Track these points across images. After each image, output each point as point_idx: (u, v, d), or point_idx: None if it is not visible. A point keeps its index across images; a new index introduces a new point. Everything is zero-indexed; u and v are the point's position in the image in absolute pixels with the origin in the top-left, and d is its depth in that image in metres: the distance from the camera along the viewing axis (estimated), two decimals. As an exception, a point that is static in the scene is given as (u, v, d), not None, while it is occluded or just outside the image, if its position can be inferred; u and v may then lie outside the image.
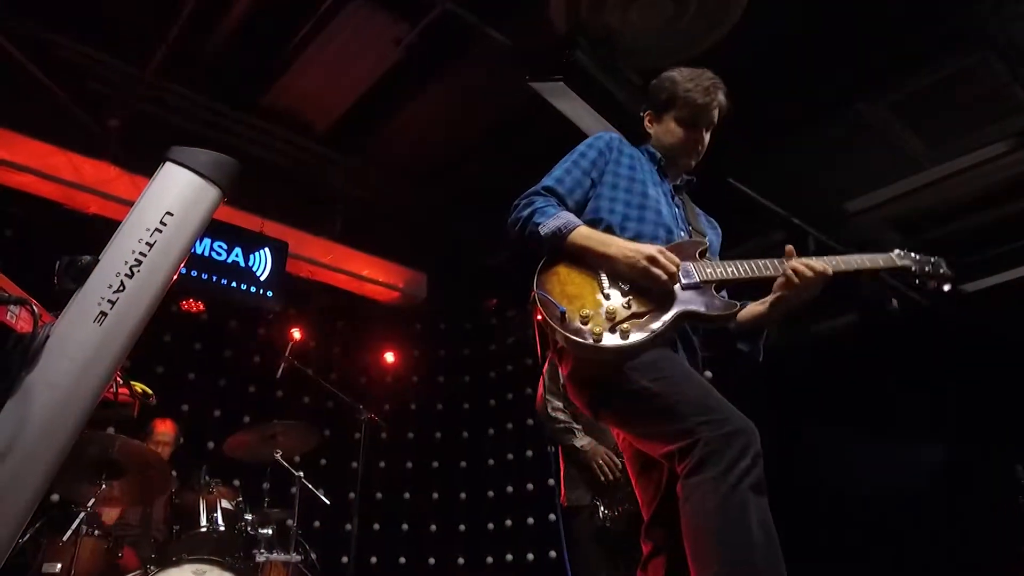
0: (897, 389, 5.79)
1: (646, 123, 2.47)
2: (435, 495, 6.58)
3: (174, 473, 4.34)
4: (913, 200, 5.70)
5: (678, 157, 2.40)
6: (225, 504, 4.07)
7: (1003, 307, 5.67)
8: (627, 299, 2.03)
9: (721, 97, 2.33)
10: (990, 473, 5.17)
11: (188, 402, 5.52)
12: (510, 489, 6.28)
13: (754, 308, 2.23)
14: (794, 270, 2.09)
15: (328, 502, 4.41)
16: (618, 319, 1.98)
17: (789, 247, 2.14)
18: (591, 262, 2.11)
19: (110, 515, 4.26)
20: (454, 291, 6.88)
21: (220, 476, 4.29)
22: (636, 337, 1.95)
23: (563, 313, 1.98)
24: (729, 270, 2.14)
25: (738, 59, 4.71)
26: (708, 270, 2.12)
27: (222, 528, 3.96)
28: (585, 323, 1.97)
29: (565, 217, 2.14)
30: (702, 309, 2.06)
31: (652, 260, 2.01)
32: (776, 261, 2.15)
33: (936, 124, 5.05)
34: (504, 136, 5.71)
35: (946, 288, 2.28)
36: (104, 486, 3.79)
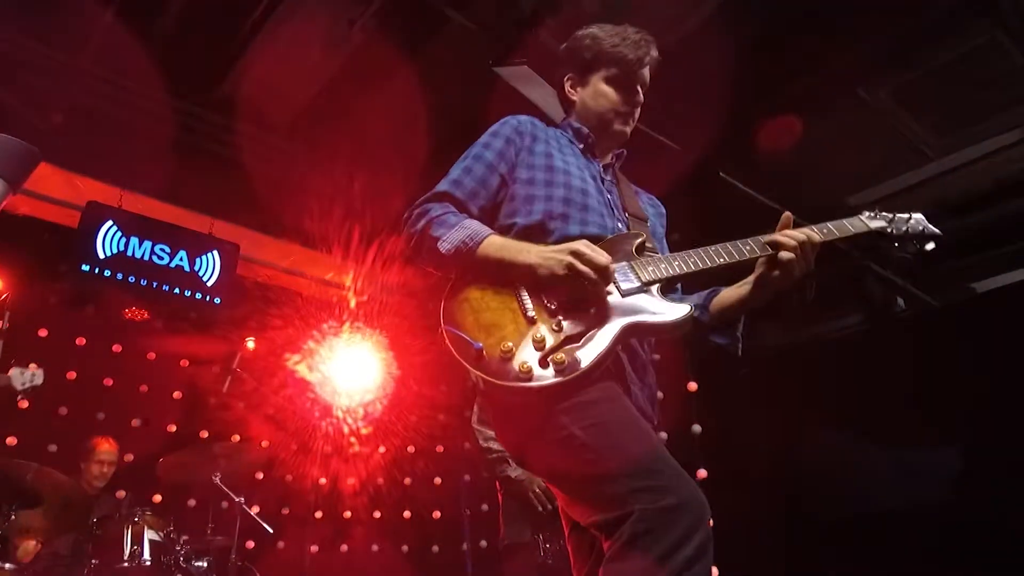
0: (905, 393, 5.46)
1: (567, 89, 2.11)
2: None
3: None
4: (919, 193, 5.41)
5: (611, 124, 2.03)
6: (152, 535, 3.69)
7: (1016, 306, 5.37)
8: (556, 319, 1.63)
9: (654, 51, 2.01)
10: (1005, 480, 4.82)
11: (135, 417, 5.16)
12: (485, 507, 5.87)
13: (731, 293, 1.87)
14: (779, 243, 1.73)
15: (271, 530, 4.03)
16: (549, 347, 1.58)
17: (787, 214, 1.79)
18: (508, 278, 1.70)
19: (27, 549, 3.88)
20: (429, 294, 6.45)
21: (151, 501, 3.97)
22: (576, 368, 1.55)
23: (479, 350, 1.58)
24: (677, 265, 1.76)
25: (725, 42, 4.40)
26: (651, 268, 1.74)
27: (147, 562, 3.58)
28: (508, 359, 1.56)
29: (470, 227, 1.74)
30: (649, 318, 1.66)
31: (576, 255, 1.62)
32: (745, 242, 1.78)
33: (942, 111, 4.76)
34: (480, 126, 5.32)
35: (929, 247, 1.98)
36: (14, 517, 3.43)
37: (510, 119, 2.02)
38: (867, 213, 1.97)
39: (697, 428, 4.83)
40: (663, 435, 5.29)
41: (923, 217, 2.00)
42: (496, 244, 1.73)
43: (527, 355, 1.58)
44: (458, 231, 1.74)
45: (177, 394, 5.35)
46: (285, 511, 5.68)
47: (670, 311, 1.69)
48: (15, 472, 3.46)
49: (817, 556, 5.11)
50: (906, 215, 1.99)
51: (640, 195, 2.16)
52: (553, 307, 1.66)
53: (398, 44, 4.67)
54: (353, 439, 5.72)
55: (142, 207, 4.82)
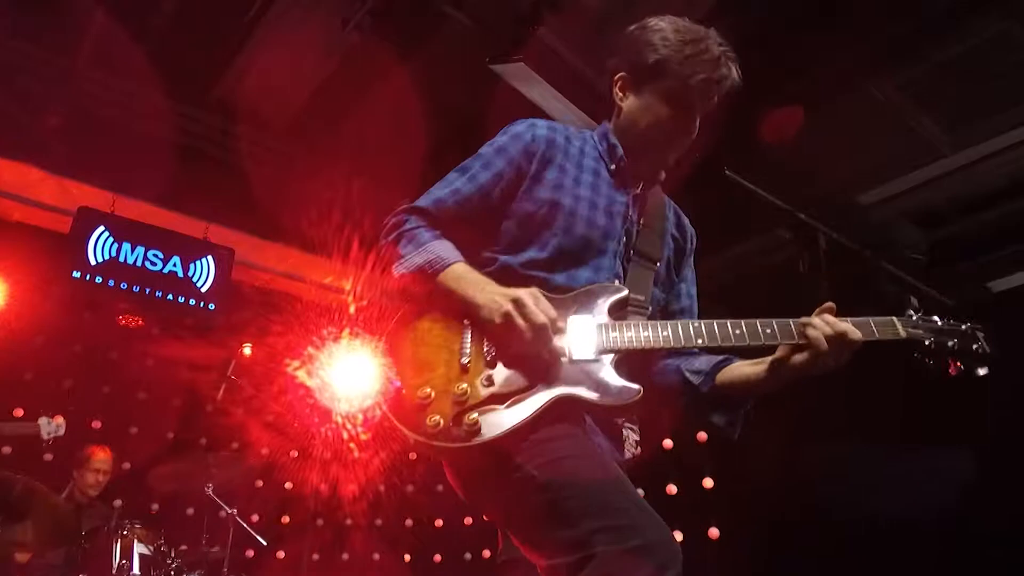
0: (917, 395, 5.28)
1: (616, 90, 1.79)
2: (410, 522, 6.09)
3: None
4: (933, 190, 5.27)
5: (654, 150, 1.76)
6: (142, 548, 3.60)
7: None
8: (490, 372, 1.47)
9: (736, 73, 1.71)
10: (1018, 487, 4.64)
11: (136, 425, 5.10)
12: (468, 520, 5.76)
13: (744, 369, 1.65)
14: (815, 337, 1.50)
15: (264, 542, 3.93)
16: (470, 403, 1.43)
17: (830, 305, 1.54)
18: (459, 314, 1.55)
19: (22, 557, 3.81)
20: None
21: (147, 510, 3.88)
22: (486, 435, 1.40)
23: (398, 390, 1.46)
24: (654, 336, 1.53)
25: (727, 36, 4.28)
26: (612, 334, 1.53)
27: (137, 576, 3.49)
28: (424, 407, 1.43)
29: (437, 250, 1.59)
30: (589, 394, 1.46)
31: (517, 305, 1.44)
32: (769, 323, 1.55)
33: (953, 106, 4.59)
34: (478, 126, 5.21)
35: (981, 372, 1.63)
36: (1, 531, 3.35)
37: (524, 131, 1.73)
38: (910, 315, 1.66)
39: (702, 436, 4.69)
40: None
41: (980, 329, 1.67)
42: (456, 274, 1.56)
43: (443, 408, 1.44)
44: (422, 253, 1.59)
45: (174, 401, 5.27)
46: (285, 519, 5.61)
47: (609, 392, 1.47)
48: (1, 486, 3.36)
49: (821, 564, 5.00)
50: (961, 325, 1.66)
51: (668, 223, 1.88)
52: (490, 357, 1.50)
53: (394, 43, 4.57)
54: (353, 445, 5.62)
55: (135, 212, 4.74)
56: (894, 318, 1.63)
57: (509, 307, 1.45)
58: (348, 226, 5.62)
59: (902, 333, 1.61)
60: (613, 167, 1.77)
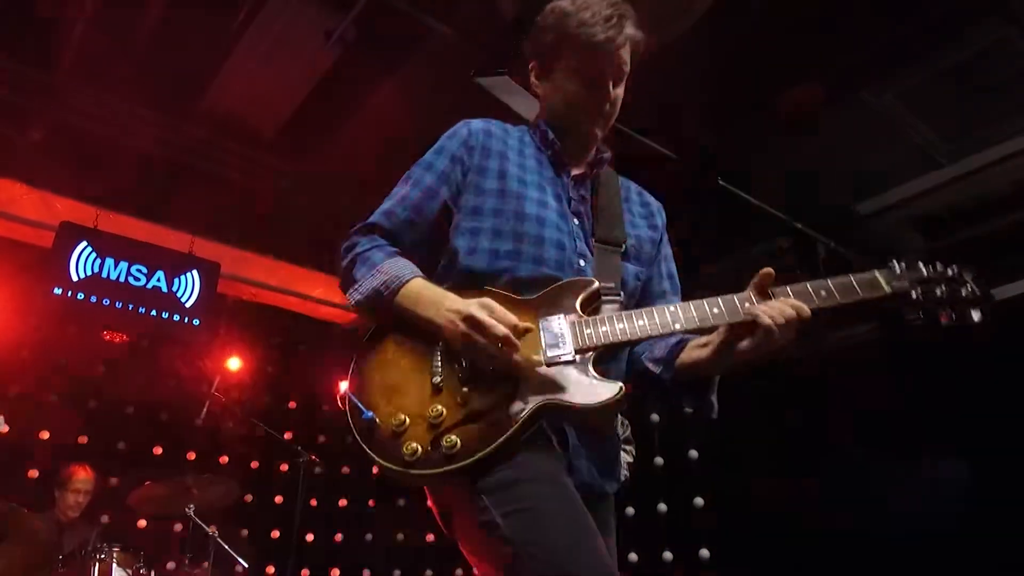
0: (918, 402, 5.24)
1: (532, 80, 1.78)
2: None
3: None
4: (933, 198, 5.19)
5: (578, 125, 1.71)
6: (119, 573, 3.54)
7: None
8: (464, 390, 1.40)
9: (630, 29, 1.63)
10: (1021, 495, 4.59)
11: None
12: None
13: (692, 353, 1.57)
14: (757, 315, 1.43)
15: (246, 565, 3.87)
16: (445, 425, 1.35)
17: (766, 271, 1.48)
18: (425, 332, 1.48)
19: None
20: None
21: (134, 527, 3.83)
22: (467, 456, 1.33)
23: (370, 421, 1.37)
24: (630, 327, 1.46)
25: (721, 46, 4.19)
26: (587, 331, 1.46)
27: (114, 602, 3.43)
28: (399, 435, 1.36)
29: (390, 270, 1.52)
30: (568, 398, 1.39)
31: (473, 324, 1.37)
32: (729, 299, 1.48)
33: (953, 114, 4.53)
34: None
35: (975, 317, 1.53)
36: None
37: (460, 127, 1.73)
38: (894, 265, 1.55)
39: (694, 454, 4.60)
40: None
41: (970, 271, 1.55)
42: (412, 293, 1.49)
43: (419, 434, 1.36)
44: (375, 276, 1.52)
45: (162, 416, 5.23)
46: (275, 534, 5.56)
47: (590, 393, 1.39)
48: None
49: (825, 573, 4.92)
50: (947, 270, 1.55)
51: (630, 202, 1.82)
52: (463, 374, 1.42)
53: (378, 56, 4.51)
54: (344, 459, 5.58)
55: (119, 226, 4.68)
56: (876, 272, 1.53)
57: (464, 327, 1.39)
58: (336, 238, 5.56)
59: (886, 288, 1.51)
60: (549, 152, 1.74)
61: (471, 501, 1.34)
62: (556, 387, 1.40)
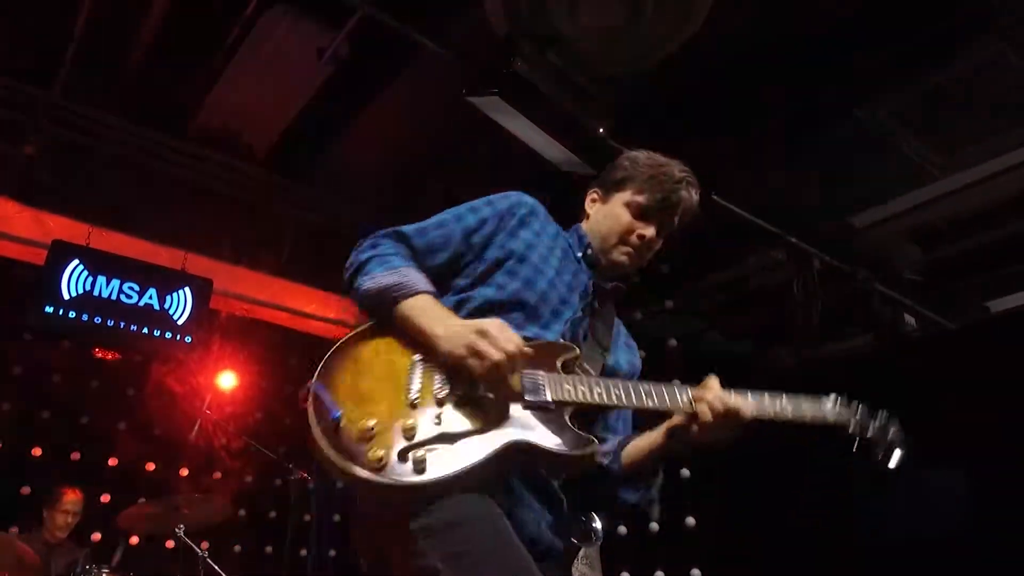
0: (915, 415, 5.15)
1: (587, 203, 1.92)
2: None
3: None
4: (928, 212, 5.20)
5: (610, 251, 1.81)
6: (107, 596, 3.52)
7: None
8: (441, 410, 1.40)
9: (692, 196, 1.81)
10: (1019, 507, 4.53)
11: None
12: None
13: (644, 440, 1.66)
14: (701, 408, 1.55)
15: (235, 585, 3.85)
16: (417, 440, 1.35)
17: (712, 379, 1.60)
18: (414, 345, 1.49)
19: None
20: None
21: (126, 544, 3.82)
22: (434, 473, 1.32)
23: (336, 420, 1.35)
24: (597, 392, 1.52)
25: (712, 63, 4.19)
26: (567, 386, 1.49)
27: (101, 626, 3.42)
28: (366, 439, 1.33)
29: (405, 276, 1.54)
30: (542, 441, 1.41)
31: (482, 334, 1.40)
32: (677, 390, 1.57)
33: (947, 130, 4.53)
34: (462, 154, 5.14)
35: (893, 461, 1.70)
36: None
37: (514, 194, 1.82)
38: (835, 400, 1.72)
39: (685, 472, 4.58)
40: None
41: (895, 419, 1.74)
42: (420, 304, 1.51)
43: (387, 442, 1.34)
44: (390, 275, 1.53)
45: (154, 431, 5.21)
46: (268, 549, 5.55)
47: (565, 442, 1.42)
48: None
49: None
50: (877, 418, 1.73)
51: (619, 336, 1.92)
52: (442, 396, 1.42)
53: (370, 73, 4.51)
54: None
55: (112, 244, 4.67)
56: (821, 403, 1.70)
57: (473, 337, 1.41)
58: (329, 254, 5.55)
59: (830, 417, 1.69)
60: (580, 254, 1.85)
61: (406, 542, 1.33)
62: (531, 427, 1.42)
